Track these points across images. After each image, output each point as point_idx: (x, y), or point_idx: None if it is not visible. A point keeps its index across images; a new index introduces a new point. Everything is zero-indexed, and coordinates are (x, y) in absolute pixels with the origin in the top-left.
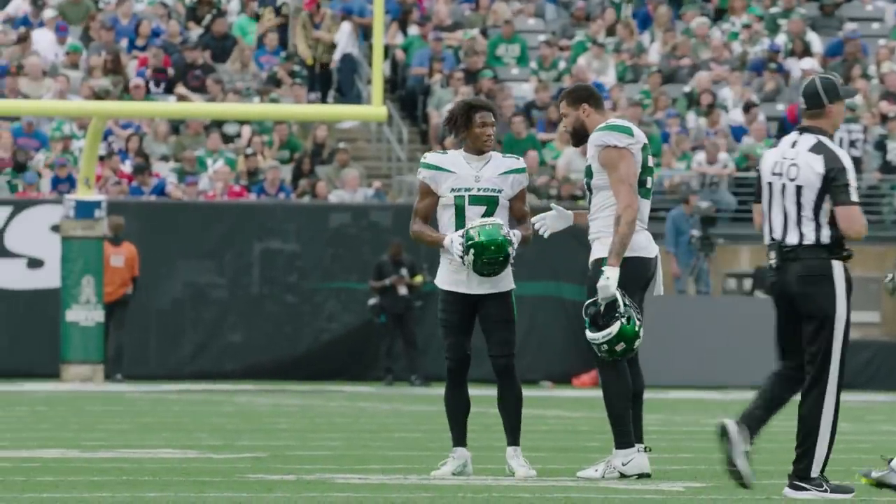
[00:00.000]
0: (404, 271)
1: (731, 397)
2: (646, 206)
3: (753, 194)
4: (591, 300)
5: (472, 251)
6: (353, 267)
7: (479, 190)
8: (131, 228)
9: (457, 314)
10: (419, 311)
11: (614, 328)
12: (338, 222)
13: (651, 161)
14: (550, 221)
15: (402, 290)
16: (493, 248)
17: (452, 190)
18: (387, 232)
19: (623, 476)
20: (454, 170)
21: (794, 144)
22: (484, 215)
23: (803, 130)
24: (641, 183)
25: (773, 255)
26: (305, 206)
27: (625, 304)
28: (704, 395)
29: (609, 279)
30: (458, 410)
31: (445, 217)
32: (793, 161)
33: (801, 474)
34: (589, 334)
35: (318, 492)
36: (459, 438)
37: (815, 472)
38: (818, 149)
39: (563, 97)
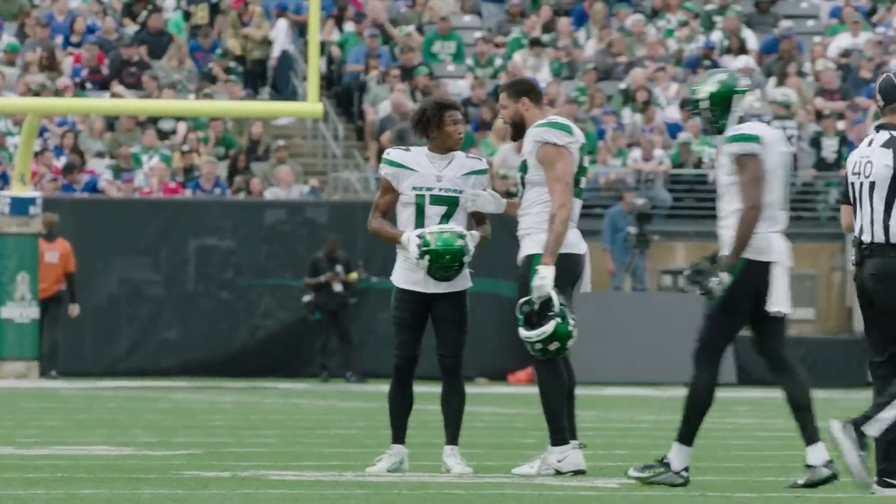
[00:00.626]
0: (339, 268)
1: (668, 394)
2: (577, 205)
3: (843, 196)
4: (525, 298)
5: (427, 257)
6: (288, 264)
7: (440, 190)
8: (67, 225)
9: (410, 312)
10: (354, 308)
11: (549, 327)
12: (273, 219)
13: (586, 161)
14: (481, 201)
15: (338, 287)
16: (447, 256)
17: (413, 188)
18: (322, 229)
19: (558, 473)
20: (416, 168)
21: (871, 143)
22: (444, 216)
23: (879, 128)
24: (575, 182)
25: (854, 252)
26: (241, 203)
27: (560, 304)
28: (640, 392)
29: (545, 278)
30: (401, 409)
31: (405, 215)
32: (868, 158)
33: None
34: (522, 332)
35: (252, 488)
36: (399, 436)
37: None
38: (889, 143)
39: (502, 89)
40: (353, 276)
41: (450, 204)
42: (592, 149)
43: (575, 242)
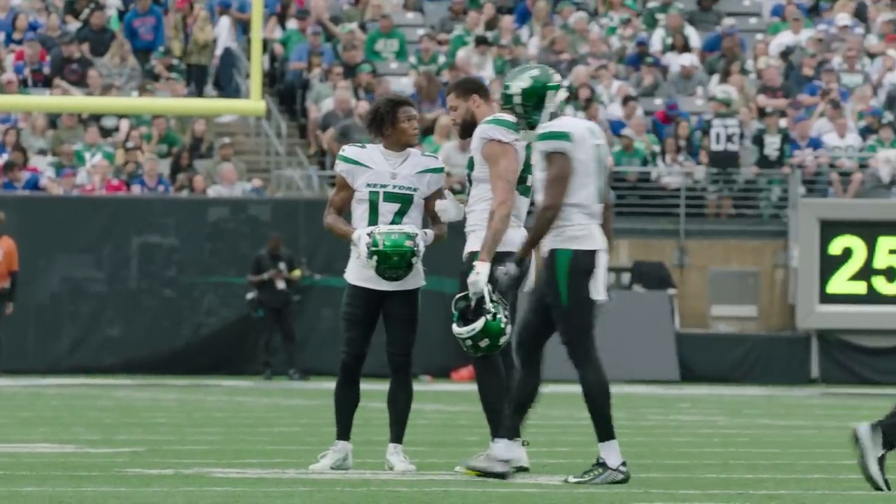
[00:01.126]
0: (283, 265)
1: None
2: (524, 203)
3: None
4: (461, 294)
5: (375, 257)
6: (231, 261)
7: (394, 187)
8: (9, 223)
9: (361, 309)
10: (298, 305)
11: (479, 324)
12: (216, 216)
13: (533, 159)
14: (441, 207)
15: (281, 285)
16: (395, 258)
17: (368, 185)
18: (265, 226)
19: None
20: (371, 165)
21: None
22: (398, 213)
23: None
24: (522, 180)
25: None
26: (184, 201)
27: (492, 301)
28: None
29: (479, 274)
30: (347, 406)
31: (359, 211)
32: None
33: None
34: (455, 328)
35: (196, 486)
36: (343, 433)
37: None
38: None
39: (451, 89)
40: (297, 273)
41: (404, 201)
42: None
43: (519, 241)
